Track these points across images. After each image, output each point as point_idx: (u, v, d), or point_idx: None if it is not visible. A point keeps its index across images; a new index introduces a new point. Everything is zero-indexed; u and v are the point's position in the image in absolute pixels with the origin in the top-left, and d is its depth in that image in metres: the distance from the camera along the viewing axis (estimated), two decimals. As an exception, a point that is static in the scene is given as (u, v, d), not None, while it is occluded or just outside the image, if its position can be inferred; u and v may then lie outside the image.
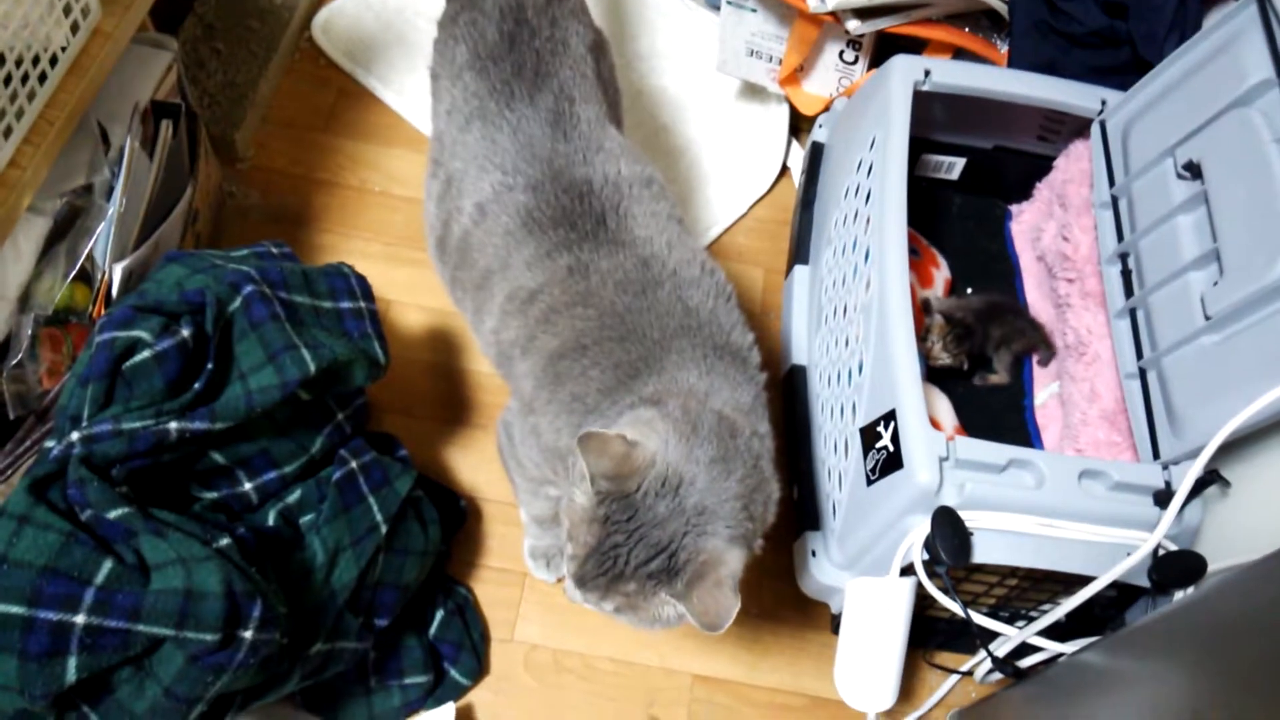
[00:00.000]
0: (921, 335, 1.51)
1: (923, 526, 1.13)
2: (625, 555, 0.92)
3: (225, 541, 1.01)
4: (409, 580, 1.25)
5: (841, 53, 1.63)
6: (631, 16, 1.96)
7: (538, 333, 1.08)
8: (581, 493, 0.94)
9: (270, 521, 1.16)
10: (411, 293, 1.63)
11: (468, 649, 1.34)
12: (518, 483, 1.26)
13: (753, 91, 1.87)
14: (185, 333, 1.07)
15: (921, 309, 1.55)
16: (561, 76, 1.17)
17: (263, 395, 1.09)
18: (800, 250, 1.60)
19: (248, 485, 1.15)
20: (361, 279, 1.29)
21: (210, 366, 1.09)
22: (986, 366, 1.60)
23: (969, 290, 1.69)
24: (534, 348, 1.08)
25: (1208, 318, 1.18)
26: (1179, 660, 0.93)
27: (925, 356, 1.52)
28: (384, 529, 1.19)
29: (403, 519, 1.24)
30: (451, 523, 1.42)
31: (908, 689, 1.44)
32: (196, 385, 1.08)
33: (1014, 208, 1.75)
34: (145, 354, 1.06)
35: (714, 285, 1.10)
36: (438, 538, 1.29)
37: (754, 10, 1.62)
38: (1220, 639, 0.89)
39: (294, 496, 1.17)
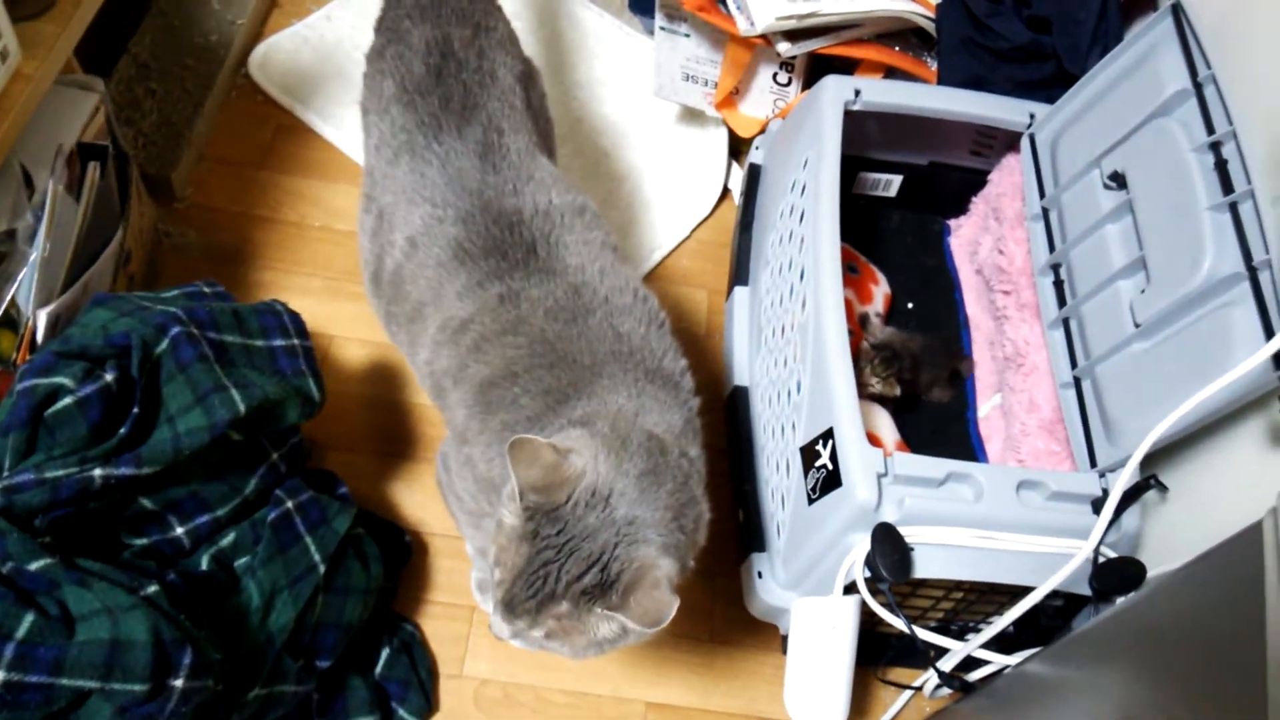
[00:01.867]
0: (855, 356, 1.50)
1: (863, 544, 1.13)
2: (556, 572, 0.90)
3: (153, 589, 0.99)
4: (351, 619, 1.23)
5: (775, 75, 1.64)
6: (570, 45, 1.97)
7: (469, 361, 1.07)
8: (510, 513, 0.93)
9: (204, 566, 1.14)
10: (353, 327, 1.61)
11: (415, 687, 1.32)
12: (458, 516, 1.25)
13: (691, 116, 1.88)
14: (109, 377, 1.06)
15: (859, 324, 1.56)
16: (490, 108, 1.17)
17: (191, 438, 1.07)
18: (740, 271, 1.61)
19: (179, 530, 1.13)
20: (295, 315, 1.28)
21: (136, 410, 1.07)
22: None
23: (909, 305, 1.70)
24: (465, 377, 1.07)
25: (1137, 325, 1.19)
26: (1115, 667, 0.94)
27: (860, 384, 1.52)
28: (322, 568, 1.18)
29: (343, 557, 1.22)
30: (397, 558, 1.41)
31: (860, 706, 1.43)
32: (122, 430, 1.06)
33: (952, 222, 1.77)
34: (67, 400, 1.04)
35: (646, 312, 1.10)
36: (380, 575, 1.28)
37: (687, 35, 1.64)
38: (1152, 644, 0.90)
39: (228, 539, 1.15)
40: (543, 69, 1.89)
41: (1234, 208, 1.11)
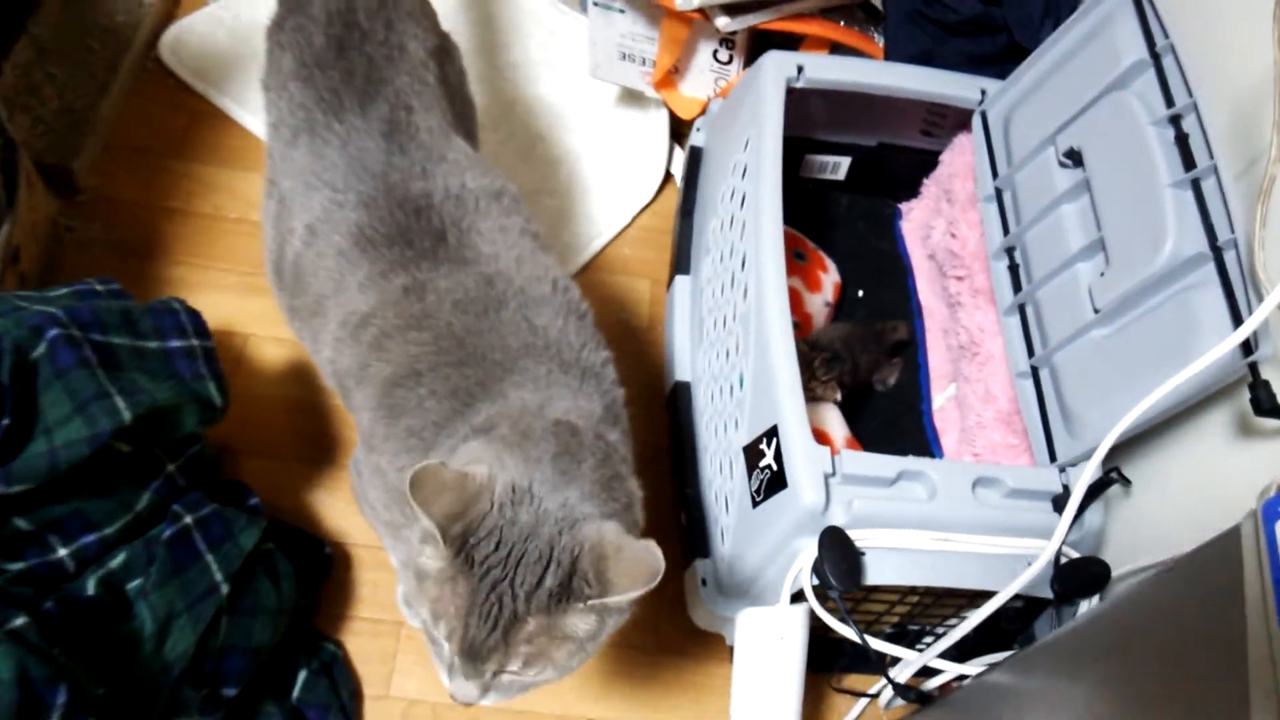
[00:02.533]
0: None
1: (811, 549, 1.06)
2: (510, 590, 0.79)
3: (20, 621, 0.89)
4: (260, 642, 1.13)
5: (715, 52, 1.56)
6: (502, 24, 1.87)
7: (371, 360, 0.98)
8: (431, 557, 0.81)
9: (90, 590, 1.03)
10: (271, 325, 1.51)
11: (336, 710, 1.23)
12: (376, 527, 1.16)
13: (631, 97, 1.79)
14: (-28, 385, 0.95)
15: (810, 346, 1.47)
16: (397, 84, 1.08)
17: (70, 451, 0.97)
18: (681, 260, 1.52)
19: (62, 551, 1.02)
20: (194, 314, 1.18)
21: (7, 421, 0.97)
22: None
23: (860, 293, 1.63)
24: (368, 377, 0.98)
25: (1096, 310, 1.12)
26: (1083, 676, 0.86)
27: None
28: (225, 589, 1.08)
29: (250, 576, 1.13)
30: (316, 573, 1.31)
31: (814, 717, 1.36)
32: (-11, 444, 0.96)
33: (903, 206, 1.69)
34: (-74, 412, 0.93)
35: (566, 303, 1.01)
36: (292, 593, 1.18)
37: (622, 11, 1.55)
38: (1123, 652, 0.82)
39: (117, 561, 1.05)
40: (473, 48, 1.81)
41: (1196, 184, 1.04)
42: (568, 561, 0.81)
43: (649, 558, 0.79)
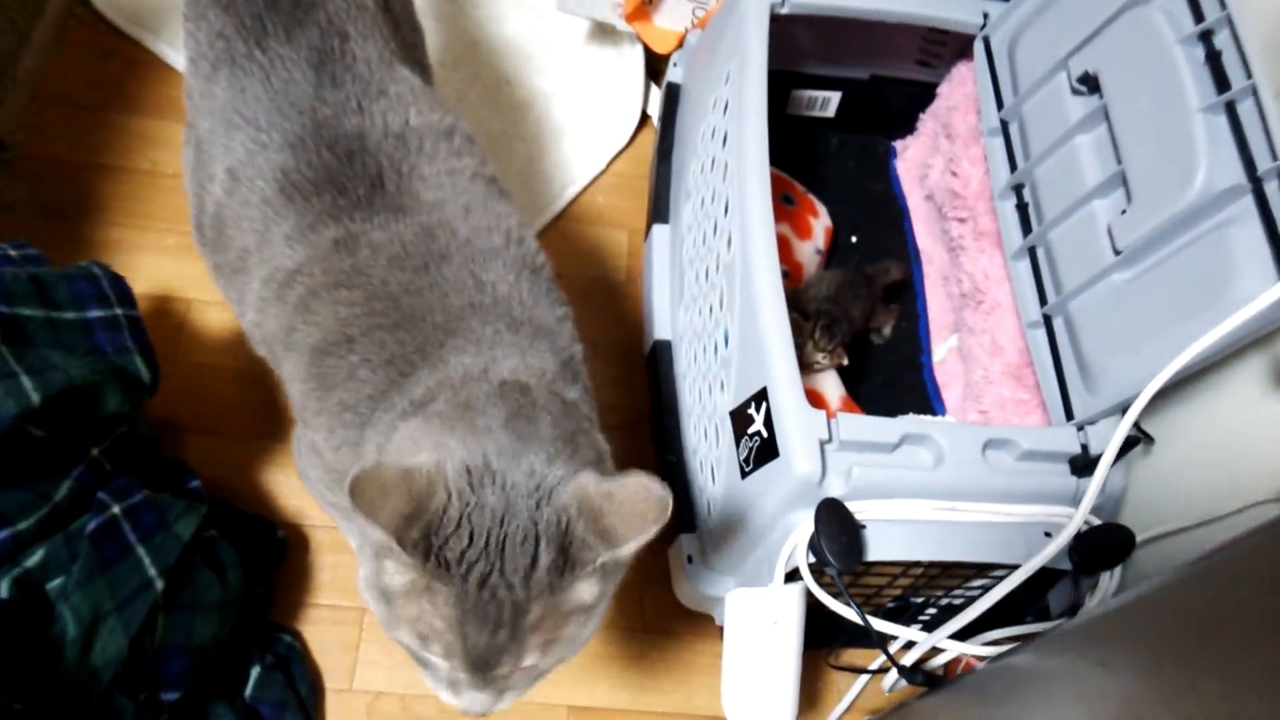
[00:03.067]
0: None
1: (806, 524, 0.96)
2: (504, 579, 0.69)
3: (-89, 635, 0.78)
4: (203, 640, 1.03)
5: (692, -21, 1.43)
6: (462, -44, 1.73)
7: (297, 323, 0.86)
8: (394, 572, 0.70)
9: (3, 593, 0.93)
10: (215, 289, 1.39)
11: (293, 707, 1.13)
12: (326, 508, 1.06)
13: (602, 32, 1.65)
14: None
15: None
16: (329, 8, 0.94)
17: (-31, 438, 0.86)
18: (659, 207, 1.40)
19: (-30, 550, 0.92)
20: (117, 280, 1.06)
21: (-104, 408, 0.86)
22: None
23: (853, 238, 1.51)
24: (295, 343, 0.87)
25: (1117, 252, 1.02)
26: (1118, 663, 0.76)
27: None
28: (160, 584, 0.98)
29: (189, 568, 1.03)
30: (270, 559, 1.21)
31: (812, 695, 1.27)
32: (-125, 434, 0.84)
33: (898, 144, 1.58)
34: None
35: (519, 257, 0.89)
36: (239, 583, 1.08)
37: (589, -65, 1.41)
38: (1169, 634, 0.72)
39: (34, 558, 0.95)
40: (428, -17, 1.67)
41: (1231, 108, 0.93)
42: (557, 532, 0.70)
43: (647, 491, 0.69)
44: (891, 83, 1.50)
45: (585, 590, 0.72)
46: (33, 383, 0.89)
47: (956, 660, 1.10)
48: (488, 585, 0.68)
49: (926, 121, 1.50)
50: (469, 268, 0.85)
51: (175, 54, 1.57)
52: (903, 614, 1.18)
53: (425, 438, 0.73)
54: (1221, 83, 0.94)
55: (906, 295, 1.47)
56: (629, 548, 0.69)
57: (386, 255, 0.85)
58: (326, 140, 0.88)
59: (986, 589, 1.13)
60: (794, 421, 0.96)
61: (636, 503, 0.69)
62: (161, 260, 1.41)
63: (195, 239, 1.01)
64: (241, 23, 0.92)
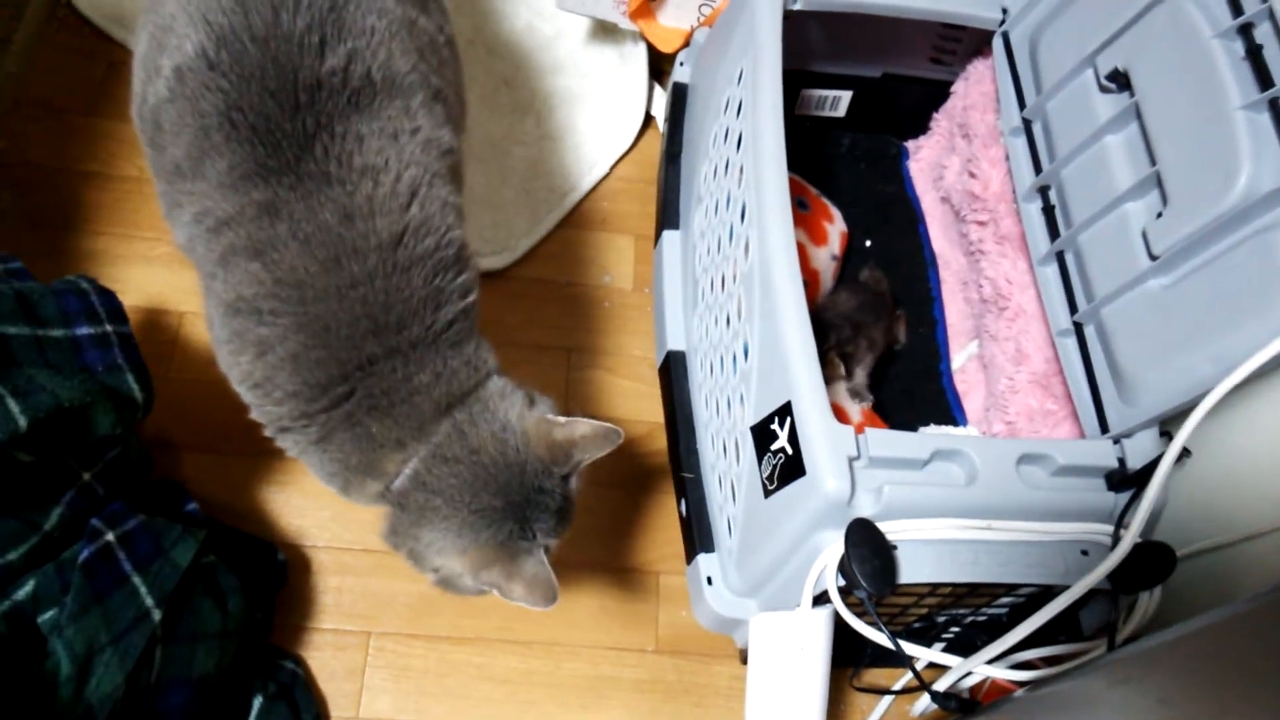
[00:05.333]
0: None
1: (835, 545, 0.91)
2: (528, 514, 0.88)
3: (-108, 681, 0.73)
4: (205, 671, 0.98)
5: (698, -25, 1.38)
6: (458, -46, 1.68)
7: (217, 272, 0.82)
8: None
9: (-8, 628, 0.88)
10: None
11: (298, 739, 1.08)
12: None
13: (604, 31, 1.61)
14: None
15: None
16: None
17: (-47, 467, 0.81)
18: (668, 212, 1.36)
19: (-45, 584, 0.87)
20: (106, 294, 1.01)
21: (-126, 435, 0.81)
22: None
23: (867, 243, 1.47)
24: (213, 289, 0.84)
25: (1153, 257, 0.97)
26: (1175, 688, 0.72)
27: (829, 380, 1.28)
28: (157, 615, 0.93)
29: (188, 596, 0.98)
30: (270, 582, 1.16)
31: (834, 716, 1.23)
32: None
33: (910, 144, 1.53)
34: None
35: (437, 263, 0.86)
36: (240, 611, 1.03)
37: (592, -69, 1.37)
38: (1233, 664, 0.68)
39: (25, 591, 0.89)
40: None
41: (1275, 105, 0.89)
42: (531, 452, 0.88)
43: (553, 422, 0.89)
44: (904, 81, 1.46)
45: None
46: (19, 405, 0.84)
47: (983, 682, 1.07)
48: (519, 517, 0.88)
49: (940, 121, 1.46)
50: (383, 277, 0.81)
51: (163, 56, 1.52)
52: (927, 633, 1.14)
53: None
54: (1264, 79, 0.90)
55: (923, 301, 1.43)
56: (588, 455, 0.91)
57: (301, 235, 0.80)
58: (273, 85, 0.80)
59: (1014, 606, 1.10)
60: (821, 438, 0.92)
61: (571, 426, 0.90)
62: (151, 271, 1.35)
63: (135, 117, 0.93)
64: None
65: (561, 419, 0.90)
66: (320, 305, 0.80)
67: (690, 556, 1.15)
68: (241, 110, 0.80)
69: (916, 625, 1.13)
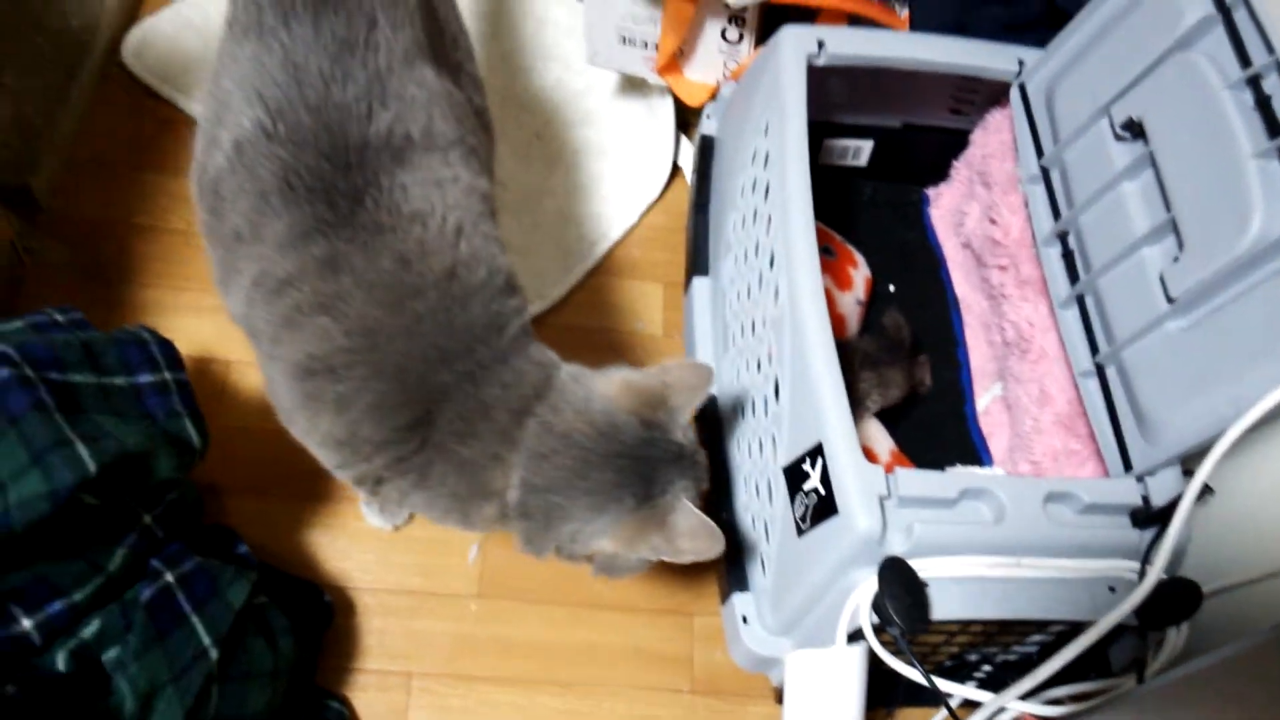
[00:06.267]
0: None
1: (869, 583, 0.94)
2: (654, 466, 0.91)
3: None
4: (257, 709, 1.02)
5: (724, 31, 1.44)
6: (487, 13, 1.75)
7: (283, 335, 0.86)
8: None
9: (60, 665, 0.91)
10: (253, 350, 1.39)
11: (344, 777, 1.11)
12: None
13: (632, 85, 1.66)
14: (-91, 442, 0.83)
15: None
16: None
17: (27, 509, 0.85)
18: (698, 259, 1.40)
19: (26, 623, 0.90)
20: (166, 344, 1.06)
21: (-47, 481, 0.85)
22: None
23: (891, 288, 1.51)
24: (280, 355, 0.87)
25: (1171, 300, 1.01)
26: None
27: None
28: (214, 653, 0.96)
29: (242, 635, 1.01)
30: (316, 623, 1.19)
31: (868, 755, 1.24)
32: (-68, 508, 0.84)
33: (931, 191, 1.58)
34: None
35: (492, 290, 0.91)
36: (290, 651, 1.06)
37: (621, -9, 1.43)
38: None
39: (90, 629, 0.93)
40: (459, 41, 1.69)
41: (1285, 153, 0.92)
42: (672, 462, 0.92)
43: (632, 377, 0.94)
44: (923, 130, 1.50)
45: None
46: (88, 451, 0.89)
47: None
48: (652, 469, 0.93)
49: (960, 169, 1.50)
50: (444, 310, 0.86)
51: (208, 115, 1.58)
52: (959, 672, 1.16)
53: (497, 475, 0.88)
54: (1274, 128, 0.93)
55: (947, 344, 1.46)
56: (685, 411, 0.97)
57: (364, 284, 0.84)
58: (326, 148, 0.86)
59: (1044, 644, 1.12)
60: (852, 478, 0.95)
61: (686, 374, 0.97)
62: (199, 321, 1.40)
63: (194, 188, 0.98)
64: None
65: (640, 371, 0.94)
66: (392, 348, 0.84)
67: (725, 596, 1.17)
68: (298, 174, 0.86)
69: (948, 664, 1.16)
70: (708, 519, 0.91)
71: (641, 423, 0.91)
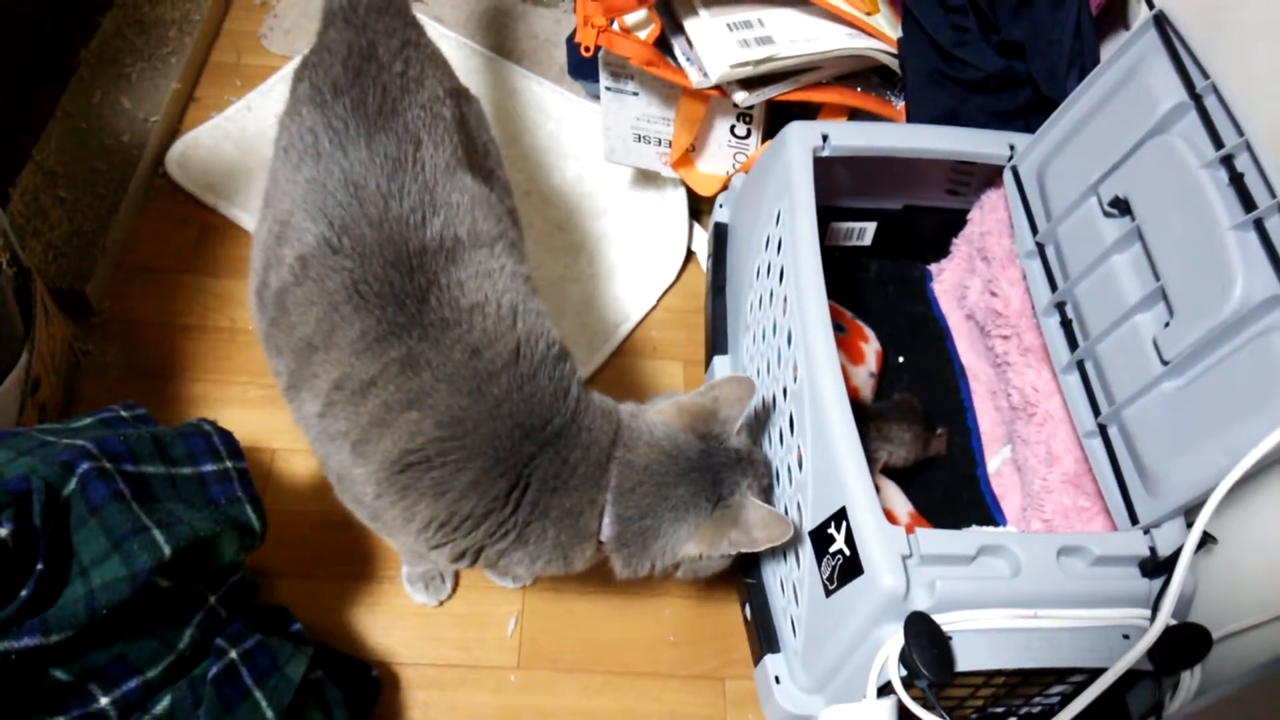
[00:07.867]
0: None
1: (895, 638, 0.99)
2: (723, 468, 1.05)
3: (66, 786, 0.82)
4: (315, 780, 1.06)
5: (733, 127, 1.54)
6: (510, 115, 1.86)
7: (372, 435, 0.94)
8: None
9: (135, 740, 0.97)
10: (297, 437, 1.41)
11: (396, 847, 1.15)
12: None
13: (647, 178, 1.77)
14: (4, 531, 0.90)
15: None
16: (409, 116, 1.03)
17: (109, 592, 0.91)
18: (717, 339, 1.48)
19: (104, 700, 0.96)
20: (226, 435, 1.13)
21: (41, 567, 0.91)
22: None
23: (900, 359, 1.58)
24: (369, 454, 0.94)
25: (1165, 362, 1.08)
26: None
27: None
28: (277, 726, 1.02)
29: (300, 708, 1.06)
30: (364, 698, 1.24)
31: (901, 813, 1.28)
32: (24, 593, 0.90)
33: (933, 267, 1.66)
34: (-45, 564, 0.88)
35: (550, 358, 1.00)
36: (345, 722, 1.11)
37: (635, 94, 1.53)
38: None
39: (163, 705, 0.99)
40: (484, 142, 1.79)
41: (1260, 224, 1.00)
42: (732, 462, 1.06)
43: (680, 399, 1.10)
44: (924, 211, 1.59)
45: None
46: (163, 536, 0.95)
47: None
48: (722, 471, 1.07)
49: (960, 245, 1.58)
50: (518, 389, 0.95)
51: (248, 218, 1.68)
52: (985, 724, 1.21)
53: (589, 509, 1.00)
54: (1248, 202, 1.01)
55: (956, 411, 1.53)
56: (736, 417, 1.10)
57: (445, 377, 0.93)
58: (390, 257, 0.95)
59: (1065, 695, 1.16)
60: (876, 539, 1.01)
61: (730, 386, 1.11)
62: (245, 413, 1.48)
63: (253, 304, 1.07)
64: (330, 123, 1.01)
65: (688, 394, 1.09)
66: (480, 430, 0.93)
67: (757, 658, 1.22)
68: (366, 282, 0.95)
69: (974, 718, 1.20)
70: (774, 509, 1.05)
71: (699, 437, 1.05)
